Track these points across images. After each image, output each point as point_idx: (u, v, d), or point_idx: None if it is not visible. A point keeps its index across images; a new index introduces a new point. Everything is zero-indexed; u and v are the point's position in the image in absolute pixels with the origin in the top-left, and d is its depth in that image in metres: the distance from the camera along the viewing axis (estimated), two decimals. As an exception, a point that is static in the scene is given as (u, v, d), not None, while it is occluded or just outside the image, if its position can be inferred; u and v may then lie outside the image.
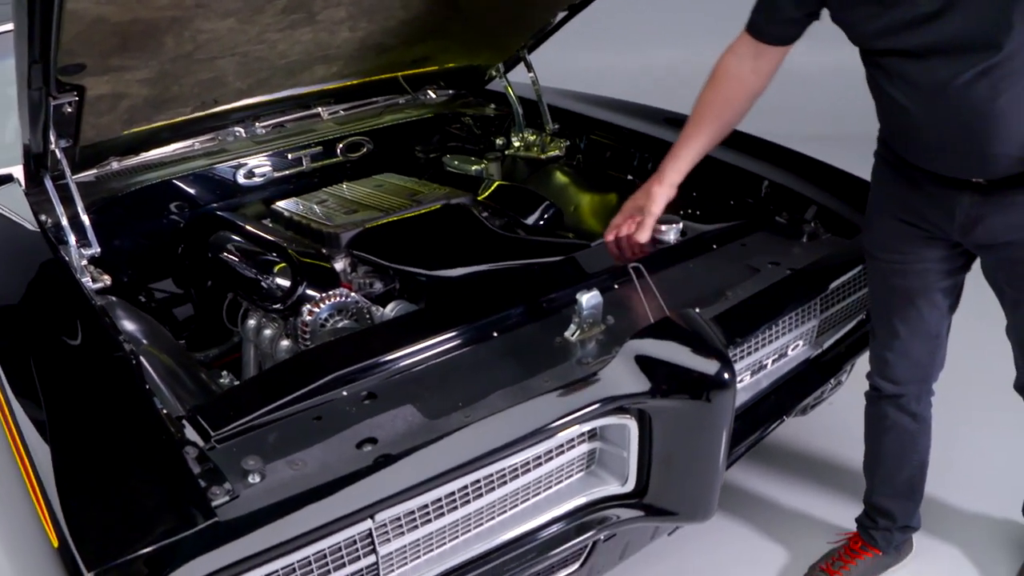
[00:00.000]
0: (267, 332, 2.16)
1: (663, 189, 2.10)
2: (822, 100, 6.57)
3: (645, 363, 1.57)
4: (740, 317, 1.86)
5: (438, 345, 1.67)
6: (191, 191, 2.56)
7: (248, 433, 1.46)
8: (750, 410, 2.03)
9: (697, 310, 1.82)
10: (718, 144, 2.13)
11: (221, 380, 2.15)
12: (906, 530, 2.33)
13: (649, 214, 2.10)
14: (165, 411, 1.46)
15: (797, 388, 2.14)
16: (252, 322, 2.21)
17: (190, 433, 1.44)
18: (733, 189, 2.49)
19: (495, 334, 1.74)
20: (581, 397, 1.55)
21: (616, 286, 1.92)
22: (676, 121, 2.87)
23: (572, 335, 1.73)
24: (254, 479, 1.33)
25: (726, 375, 1.56)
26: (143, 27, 1.78)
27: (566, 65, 5.94)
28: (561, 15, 2.69)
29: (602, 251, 2.11)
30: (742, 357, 1.94)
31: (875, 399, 2.21)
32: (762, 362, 2.03)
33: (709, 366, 1.56)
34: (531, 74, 2.92)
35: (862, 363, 2.26)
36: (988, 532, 2.51)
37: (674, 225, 2.15)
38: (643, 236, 2.11)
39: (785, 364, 2.11)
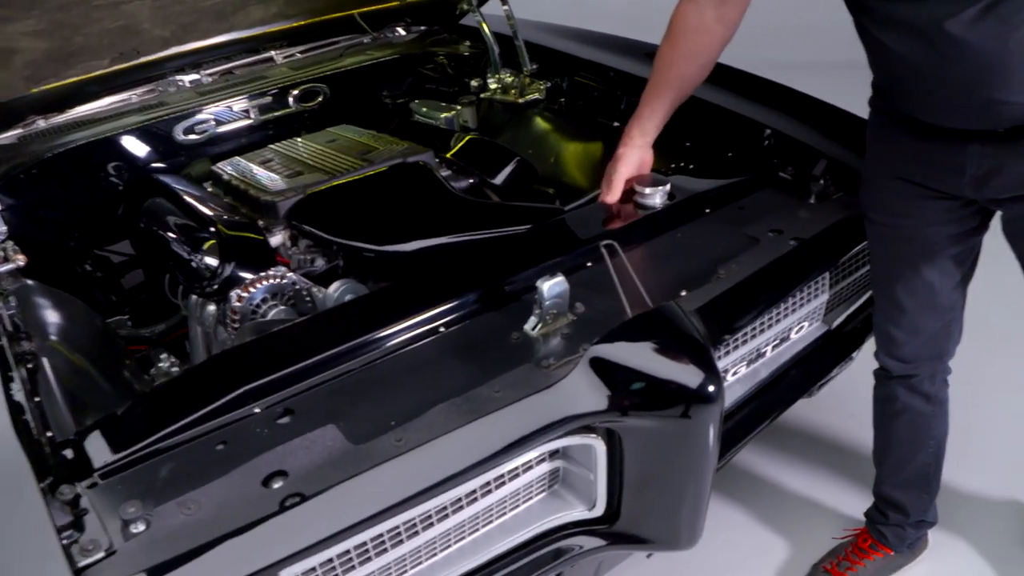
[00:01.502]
0: (210, 309, 1.90)
1: (629, 151, 1.86)
2: (799, 21, 6.20)
3: (612, 373, 1.30)
4: (731, 306, 1.57)
5: (374, 345, 1.41)
6: (129, 150, 2.30)
7: (138, 465, 1.21)
8: (747, 402, 1.77)
9: (683, 294, 1.57)
10: (685, 100, 1.88)
11: (160, 365, 1.90)
12: (920, 525, 2.08)
13: (615, 173, 1.84)
14: (49, 434, 1.22)
15: (802, 376, 1.87)
16: (194, 297, 1.95)
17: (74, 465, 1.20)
18: (731, 138, 2.19)
19: (443, 328, 1.47)
20: (537, 415, 1.28)
21: (589, 264, 1.65)
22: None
23: (533, 329, 1.46)
24: (137, 528, 1.09)
25: (710, 388, 1.28)
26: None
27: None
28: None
29: (577, 220, 1.82)
30: (735, 348, 1.67)
31: (883, 379, 1.95)
32: (760, 350, 1.76)
33: (690, 377, 1.29)
34: (505, 7, 2.60)
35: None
36: (1011, 526, 2.26)
37: (660, 188, 1.86)
38: (609, 197, 1.84)
39: (788, 349, 1.84)
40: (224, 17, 2.10)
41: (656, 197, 1.86)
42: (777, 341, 1.79)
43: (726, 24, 1.75)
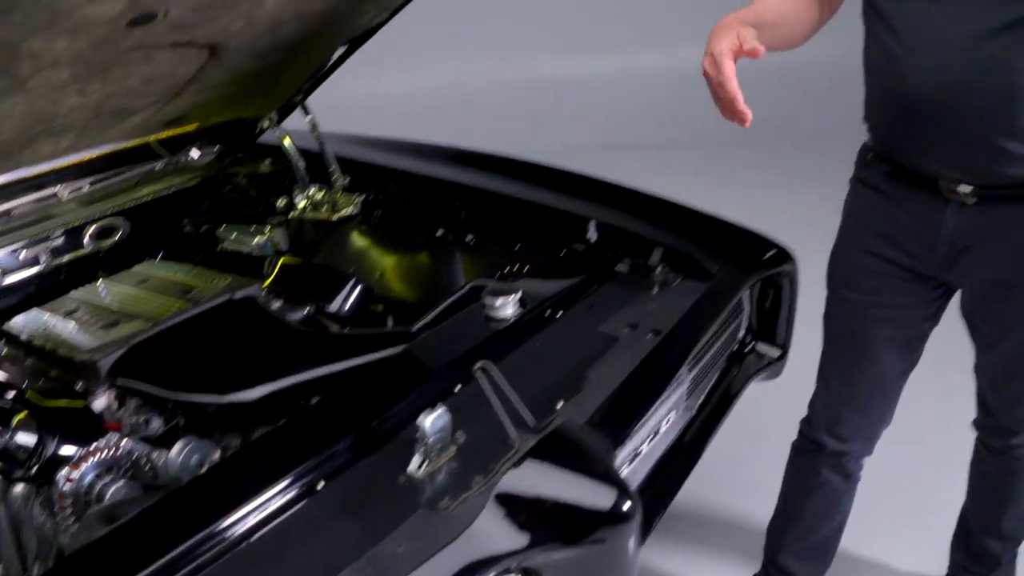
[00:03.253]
0: (17, 490, 1.65)
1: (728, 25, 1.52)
2: (604, 109, 6.51)
3: (522, 509, 1.21)
4: (616, 410, 1.52)
5: (248, 518, 1.25)
6: None
7: None
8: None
9: (559, 405, 1.51)
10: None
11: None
12: None
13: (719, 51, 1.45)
14: None
15: (678, 466, 1.84)
16: (9, 487, 1.68)
17: None
18: (560, 236, 2.18)
19: (321, 484, 1.33)
20: (447, 566, 1.17)
21: (459, 387, 1.55)
22: (473, 159, 2.56)
23: (419, 469, 1.35)
24: None
25: (626, 506, 1.22)
26: None
27: (349, 93, 5.55)
28: (340, 51, 2.29)
29: (431, 343, 1.73)
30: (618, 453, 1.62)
31: (810, 453, 1.97)
32: (638, 449, 1.72)
33: (603, 498, 1.22)
34: (308, 117, 2.50)
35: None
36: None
37: (512, 296, 1.80)
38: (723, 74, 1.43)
39: (661, 442, 1.81)
40: (10, 154, 1.89)
41: (508, 308, 1.80)
42: (651, 437, 1.76)
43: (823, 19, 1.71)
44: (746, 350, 2.22)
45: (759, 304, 2.22)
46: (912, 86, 1.55)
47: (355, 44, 2.25)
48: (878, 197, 1.73)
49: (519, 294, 1.81)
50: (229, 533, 1.22)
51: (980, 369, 1.86)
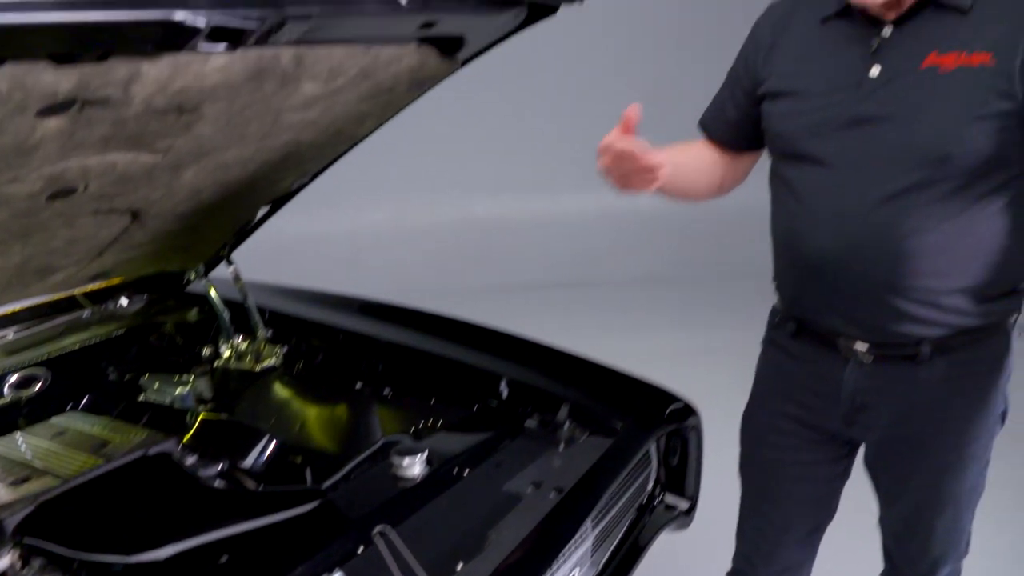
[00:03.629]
0: None
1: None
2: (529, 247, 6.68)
3: None
4: (515, 571, 1.57)
5: None
6: None
7: None
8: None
9: (459, 567, 1.56)
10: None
11: None
12: None
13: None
14: None
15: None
16: None
17: None
18: (473, 392, 2.25)
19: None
20: None
21: (361, 549, 1.59)
22: (393, 313, 2.65)
23: (316, 637, 1.38)
24: None
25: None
26: None
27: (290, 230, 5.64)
28: (263, 211, 2.39)
29: (339, 502, 1.77)
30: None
31: None
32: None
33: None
34: (232, 267, 2.57)
35: None
36: None
37: (418, 456, 1.86)
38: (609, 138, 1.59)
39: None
40: (-69, 312, 1.94)
41: (415, 467, 1.85)
42: (553, 598, 1.79)
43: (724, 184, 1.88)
44: (655, 502, 2.28)
45: (668, 456, 2.29)
46: (811, 248, 1.68)
47: (277, 204, 2.35)
48: (785, 357, 1.84)
49: (426, 453, 1.87)
50: None
51: (884, 522, 1.94)
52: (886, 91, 1.56)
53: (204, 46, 1.20)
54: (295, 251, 6.34)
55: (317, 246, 6.47)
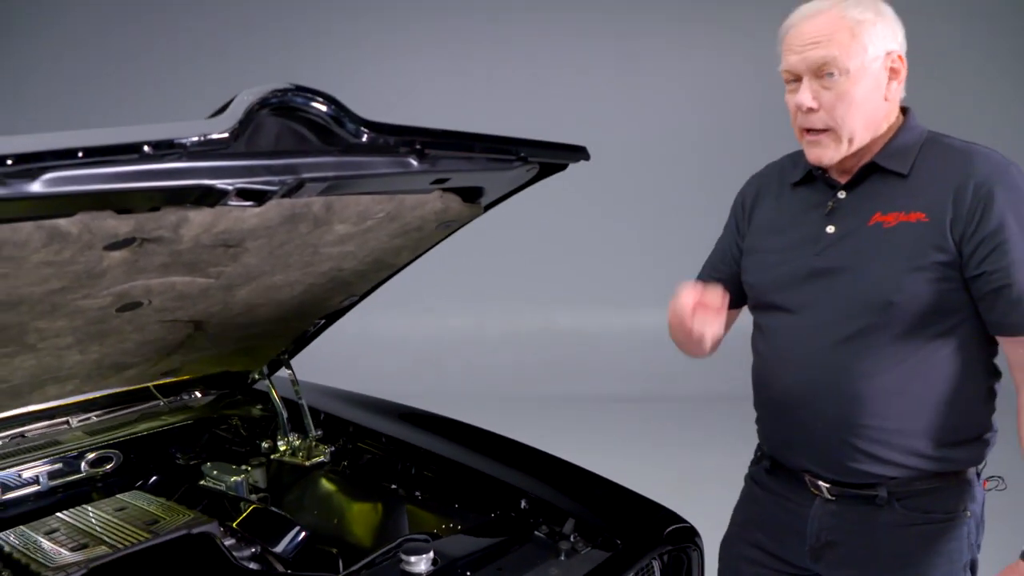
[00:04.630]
0: None
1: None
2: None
3: None
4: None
5: None
6: None
7: None
8: None
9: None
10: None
11: None
12: None
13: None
14: None
15: None
16: None
17: None
18: (493, 500, 2.45)
19: None
20: None
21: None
22: (443, 425, 2.87)
23: None
24: None
25: None
26: None
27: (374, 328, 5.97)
28: (319, 323, 2.68)
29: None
30: None
31: None
32: None
33: None
34: (289, 372, 2.85)
35: None
36: None
37: (424, 555, 2.06)
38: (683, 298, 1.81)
39: None
40: (20, 394, 2.25)
41: (421, 565, 2.05)
42: None
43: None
44: (658, 617, 2.42)
45: (674, 572, 2.43)
46: (777, 388, 1.87)
47: (331, 318, 2.63)
48: (761, 491, 2.00)
49: (431, 553, 2.07)
50: None
51: None
52: (839, 246, 1.76)
53: (234, 202, 1.48)
54: (381, 351, 6.69)
55: (403, 347, 6.81)
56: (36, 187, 1.20)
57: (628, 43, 7.03)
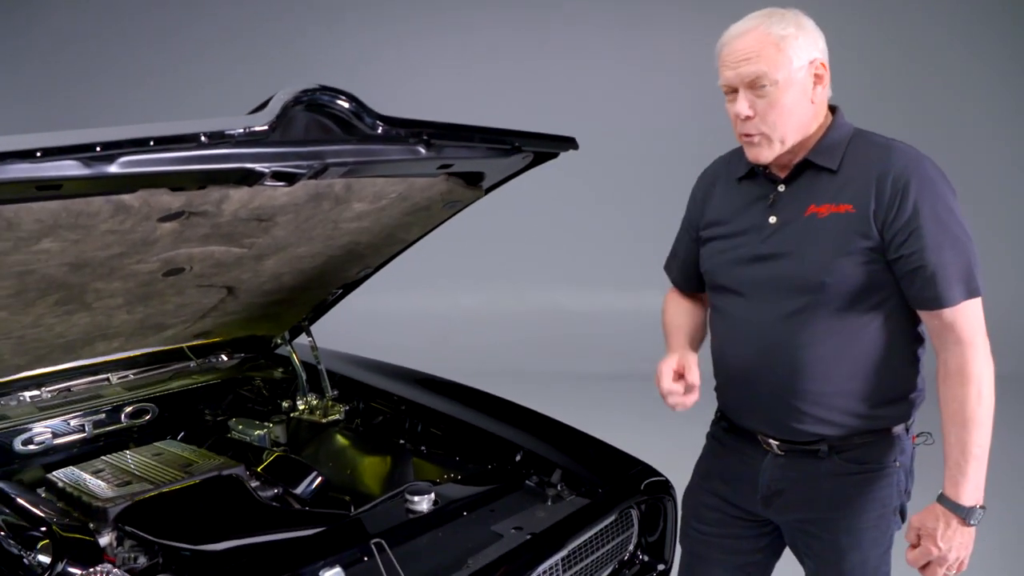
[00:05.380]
0: None
1: (669, 355, 2.15)
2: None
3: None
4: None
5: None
6: None
7: None
8: None
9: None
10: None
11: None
12: None
13: (661, 368, 2.12)
14: None
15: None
16: None
17: None
18: (491, 454, 2.73)
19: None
20: None
21: (365, 559, 2.08)
22: (445, 387, 3.15)
23: (315, 611, 1.87)
24: None
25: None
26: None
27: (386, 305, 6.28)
28: (337, 292, 2.96)
29: (358, 523, 2.28)
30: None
31: None
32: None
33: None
34: (309, 339, 3.15)
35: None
36: None
37: (426, 495, 2.35)
38: (664, 386, 2.09)
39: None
40: (73, 350, 2.54)
41: (423, 504, 2.34)
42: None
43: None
44: (636, 560, 2.69)
45: (650, 523, 2.71)
46: (731, 359, 2.12)
47: (348, 288, 2.91)
48: (719, 447, 2.26)
49: (432, 494, 2.35)
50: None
51: None
52: (780, 234, 2.00)
53: (269, 183, 1.76)
54: (392, 326, 6.99)
55: (413, 323, 7.10)
56: (113, 168, 1.49)
57: (627, 33, 7.29)
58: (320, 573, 1.87)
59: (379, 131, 1.82)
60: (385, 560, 2.01)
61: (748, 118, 1.93)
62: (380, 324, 6.87)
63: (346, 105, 1.75)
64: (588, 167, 6.98)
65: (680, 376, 2.08)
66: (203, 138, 1.52)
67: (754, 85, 1.91)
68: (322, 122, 1.75)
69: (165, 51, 7.68)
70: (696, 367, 2.08)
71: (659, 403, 2.10)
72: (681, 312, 2.34)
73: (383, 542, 2.04)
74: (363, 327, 6.20)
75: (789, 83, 1.90)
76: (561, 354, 6.91)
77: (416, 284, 6.97)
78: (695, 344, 2.26)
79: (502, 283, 7.22)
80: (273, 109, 1.63)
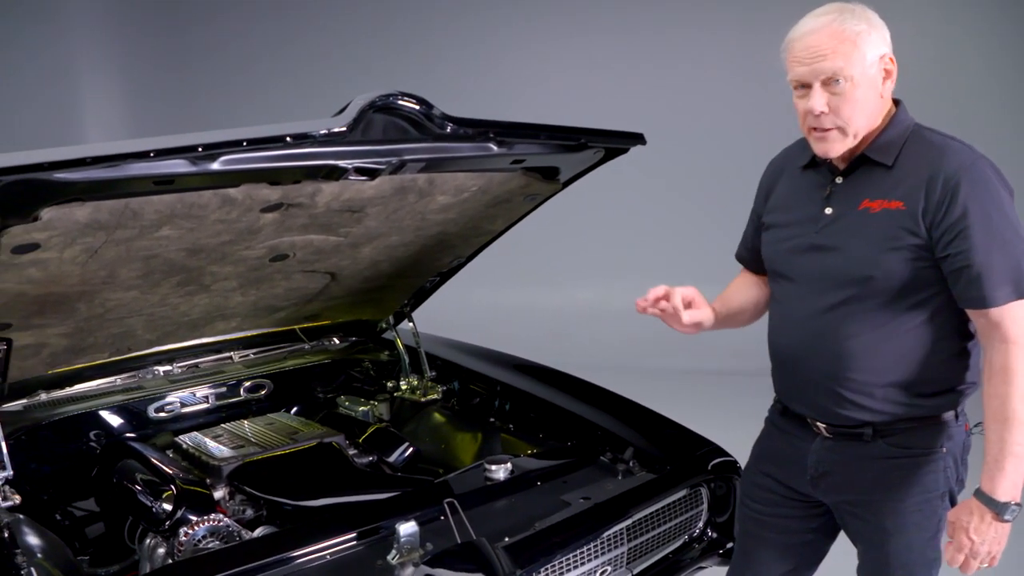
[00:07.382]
0: (160, 551, 2.51)
1: (690, 288, 2.27)
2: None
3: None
4: (535, 545, 2.23)
5: (275, 567, 2.04)
6: (108, 422, 2.98)
7: None
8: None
9: (505, 540, 2.20)
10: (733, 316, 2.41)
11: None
12: None
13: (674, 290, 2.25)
14: None
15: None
16: (148, 541, 2.56)
17: None
18: (573, 433, 2.92)
19: (328, 556, 2.11)
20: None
21: (442, 517, 2.31)
22: (536, 371, 3.36)
23: (392, 559, 2.10)
24: None
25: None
26: (57, 297, 2.24)
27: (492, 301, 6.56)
28: (434, 279, 3.21)
29: (439, 487, 2.51)
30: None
31: None
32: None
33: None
34: (411, 324, 3.41)
35: None
36: None
37: (504, 464, 2.55)
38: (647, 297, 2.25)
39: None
40: (196, 328, 2.86)
41: (500, 473, 2.54)
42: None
43: (759, 304, 2.40)
44: (704, 537, 2.83)
45: (721, 502, 2.84)
46: (781, 345, 2.22)
47: (444, 276, 3.16)
48: (775, 430, 2.35)
49: (508, 464, 2.56)
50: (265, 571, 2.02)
51: (860, 570, 2.37)
52: (834, 227, 2.08)
53: (353, 177, 2.01)
54: (511, 319, 7.24)
55: (531, 317, 7.32)
56: (215, 165, 1.76)
57: (674, 33, 7.40)
58: (397, 527, 2.09)
59: (448, 130, 2.04)
60: (456, 519, 2.23)
61: (822, 113, 1.98)
62: (498, 317, 7.13)
63: (417, 107, 1.97)
64: (691, 163, 7.09)
65: (688, 305, 2.22)
66: (288, 139, 1.78)
67: (828, 81, 1.95)
68: (397, 123, 1.98)
69: (287, 57, 8.28)
70: (702, 313, 2.24)
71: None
72: (734, 285, 2.45)
73: (456, 502, 2.26)
74: (481, 320, 6.49)
75: (863, 79, 1.95)
76: (667, 351, 7.00)
77: (534, 278, 7.25)
78: (729, 310, 2.36)
79: (617, 278, 7.37)
80: (351, 112, 1.87)
